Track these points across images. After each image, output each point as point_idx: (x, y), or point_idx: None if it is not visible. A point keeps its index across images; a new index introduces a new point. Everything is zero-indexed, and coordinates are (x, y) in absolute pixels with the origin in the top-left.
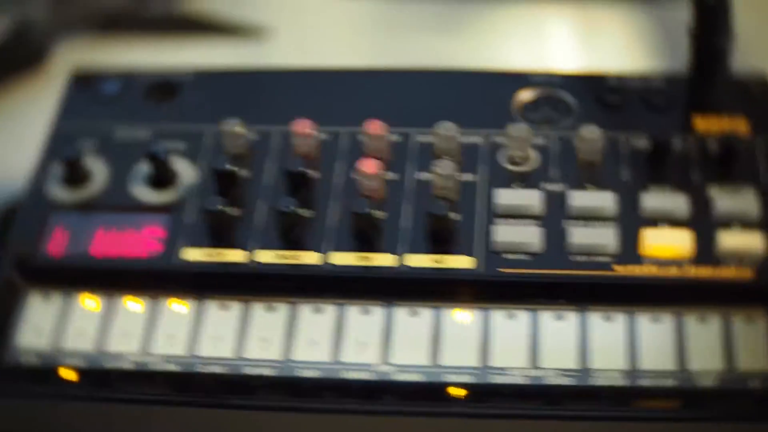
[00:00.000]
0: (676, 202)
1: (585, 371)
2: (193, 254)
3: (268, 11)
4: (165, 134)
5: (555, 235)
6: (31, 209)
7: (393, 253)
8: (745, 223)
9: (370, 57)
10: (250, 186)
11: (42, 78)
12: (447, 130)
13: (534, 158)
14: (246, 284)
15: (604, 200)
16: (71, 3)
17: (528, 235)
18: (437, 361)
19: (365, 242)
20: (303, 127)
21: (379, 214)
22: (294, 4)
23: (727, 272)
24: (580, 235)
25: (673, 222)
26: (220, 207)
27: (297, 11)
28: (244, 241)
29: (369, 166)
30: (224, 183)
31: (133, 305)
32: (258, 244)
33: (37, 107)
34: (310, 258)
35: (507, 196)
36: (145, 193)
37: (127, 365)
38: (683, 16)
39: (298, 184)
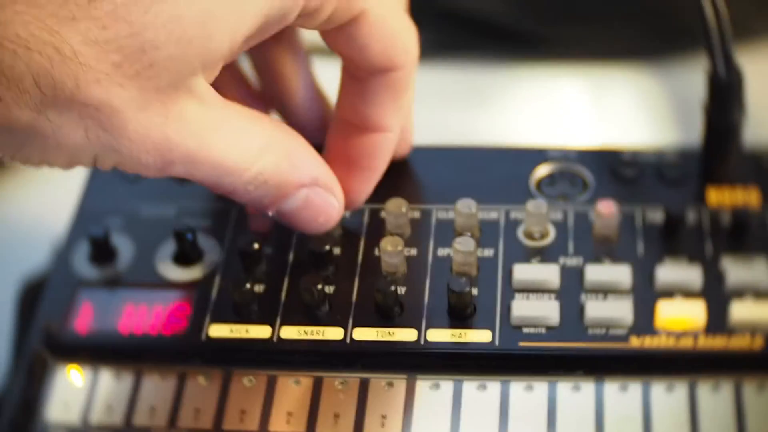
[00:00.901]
0: (690, 274)
1: None
2: (219, 330)
3: None
4: (190, 212)
5: (572, 309)
6: (58, 285)
7: (414, 327)
8: (758, 294)
9: None
10: (274, 263)
11: None
12: (467, 206)
13: (551, 233)
14: (271, 359)
15: (619, 274)
16: None
17: (546, 309)
18: None
19: (388, 318)
20: None
21: (401, 290)
22: None
23: (740, 342)
24: (596, 309)
25: (687, 293)
26: (247, 285)
27: None
28: (269, 317)
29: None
30: (249, 260)
31: (160, 381)
32: (283, 320)
33: (60, 182)
34: (334, 334)
35: (525, 271)
36: (171, 270)
37: None
38: (695, 79)
39: (322, 261)
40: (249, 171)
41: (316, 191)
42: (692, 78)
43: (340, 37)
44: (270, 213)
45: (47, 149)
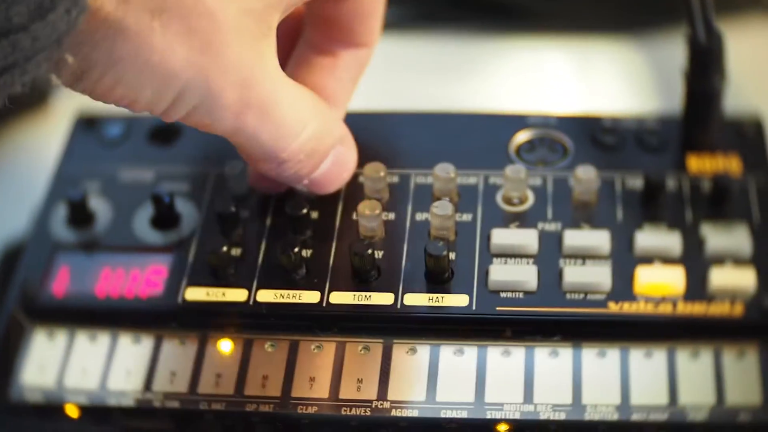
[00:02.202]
0: (669, 240)
1: (579, 406)
2: (195, 294)
3: None
4: (168, 176)
5: (550, 274)
6: (36, 249)
7: (391, 291)
8: (737, 261)
9: (367, 99)
10: (251, 226)
11: (45, 119)
12: (445, 171)
13: (530, 198)
14: (247, 323)
15: (598, 239)
16: None
17: (524, 274)
18: (434, 397)
19: (364, 281)
20: None
21: (378, 254)
22: None
23: (719, 309)
24: (575, 274)
25: (667, 260)
26: (224, 248)
27: None
28: (245, 280)
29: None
30: (226, 224)
31: (136, 344)
32: (259, 284)
33: (40, 148)
34: (311, 297)
35: (503, 236)
36: (149, 234)
37: (128, 402)
38: (678, 53)
39: (299, 225)
40: (300, 136)
41: (343, 148)
42: (675, 50)
43: (327, 7)
44: (304, 182)
45: (142, 71)
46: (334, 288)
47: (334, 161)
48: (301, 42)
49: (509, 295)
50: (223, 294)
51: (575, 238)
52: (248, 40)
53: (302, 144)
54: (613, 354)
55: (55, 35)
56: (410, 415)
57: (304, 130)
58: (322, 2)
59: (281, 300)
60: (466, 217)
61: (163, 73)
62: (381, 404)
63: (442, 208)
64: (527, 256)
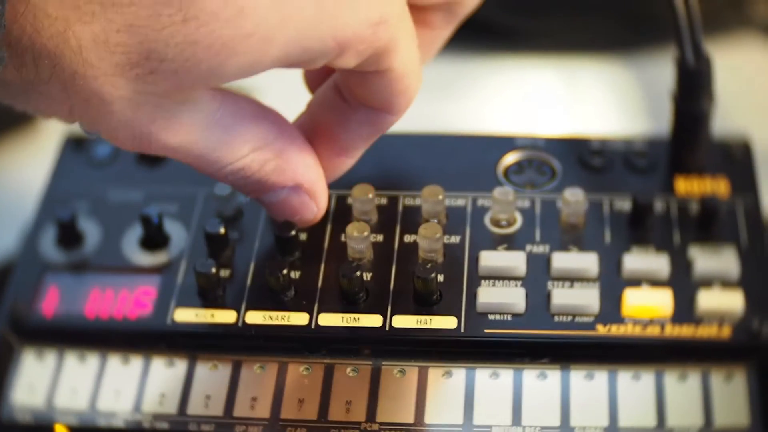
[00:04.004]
0: (657, 262)
1: (567, 428)
2: (184, 315)
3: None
4: (157, 196)
5: (538, 296)
6: (25, 269)
7: (380, 313)
8: (725, 283)
9: None
10: (240, 248)
11: (32, 140)
12: (434, 193)
13: (518, 220)
14: (236, 344)
15: (586, 262)
16: None
17: (512, 297)
18: (422, 419)
19: (353, 303)
20: None
21: (366, 276)
22: None
23: (707, 331)
24: (562, 296)
25: (655, 282)
26: (213, 269)
27: (287, 73)
28: (234, 301)
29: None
30: (215, 245)
31: (125, 364)
32: (248, 305)
33: (27, 168)
34: (299, 319)
35: (491, 258)
36: (138, 255)
37: (118, 423)
38: (666, 73)
39: (288, 247)
40: (231, 166)
41: (297, 192)
42: (663, 71)
43: (354, 75)
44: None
45: (32, 108)
46: (322, 310)
47: (282, 200)
48: (330, 79)
49: (497, 317)
50: (212, 315)
51: (563, 260)
52: (147, 111)
53: (232, 172)
54: (601, 376)
55: None
56: None
57: (237, 162)
58: (350, 74)
59: (270, 322)
60: (455, 239)
61: (51, 114)
62: (370, 426)
63: (431, 230)
64: (515, 279)
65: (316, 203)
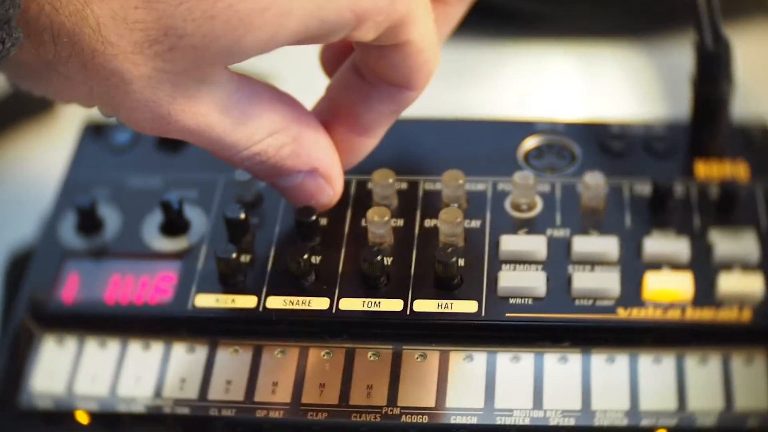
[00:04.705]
0: (677, 246)
1: (588, 412)
2: (205, 300)
3: (276, 59)
4: (177, 182)
5: (559, 280)
6: (45, 256)
7: (400, 298)
8: (745, 266)
9: None
10: (261, 233)
11: (51, 126)
12: (454, 177)
13: (539, 205)
14: (257, 329)
15: (607, 245)
16: None
17: (532, 281)
18: (443, 402)
19: (374, 288)
20: None
21: (387, 260)
22: (300, 52)
23: (728, 314)
24: (583, 280)
25: (675, 266)
26: (234, 255)
27: (303, 59)
28: (255, 287)
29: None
30: (235, 230)
31: (145, 350)
32: (269, 291)
33: (46, 155)
34: (320, 304)
35: (512, 242)
36: (158, 241)
37: (138, 409)
38: (684, 57)
39: (308, 232)
40: (248, 150)
41: (313, 176)
42: (681, 55)
43: (372, 50)
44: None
45: (52, 91)
46: (343, 294)
47: (298, 185)
48: (348, 60)
49: (518, 301)
50: (233, 301)
51: (584, 244)
52: (166, 90)
53: (249, 156)
54: (622, 360)
55: None
56: (420, 421)
57: (254, 146)
58: (368, 50)
59: (291, 306)
60: (475, 223)
61: (69, 98)
62: (391, 410)
63: (452, 215)
64: (536, 263)
65: (332, 187)
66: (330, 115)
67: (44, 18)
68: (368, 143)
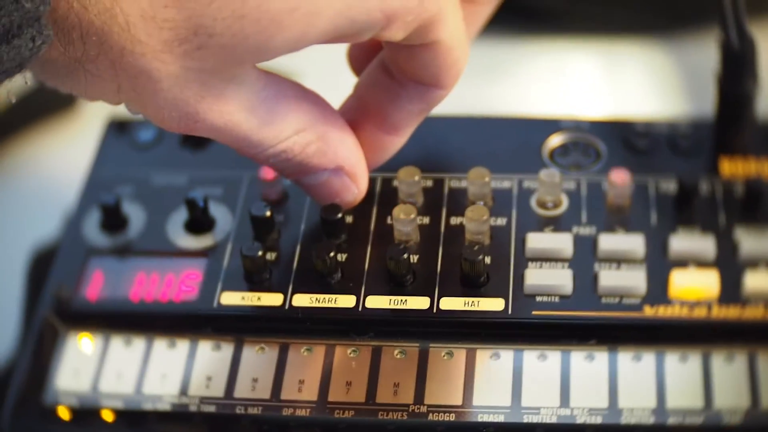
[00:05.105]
0: (703, 244)
1: (615, 410)
2: (230, 298)
3: (302, 56)
4: (201, 180)
5: (585, 278)
6: (69, 253)
7: (427, 296)
8: None
9: None
10: (286, 231)
11: (73, 123)
12: (480, 175)
13: (564, 202)
14: (282, 327)
15: (633, 243)
16: None
17: (559, 278)
18: (470, 401)
19: (400, 286)
20: None
21: (413, 258)
22: (327, 50)
23: (754, 312)
24: (609, 278)
25: (701, 264)
26: (259, 252)
27: (327, 56)
28: (281, 284)
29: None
30: (261, 228)
31: (171, 348)
32: (295, 288)
33: (68, 152)
34: (346, 302)
35: (538, 240)
36: (183, 238)
37: (164, 407)
38: (709, 55)
39: (334, 229)
40: (274, 148)
41: (338, 174)
42: (706, 52)
43: (401, 50)
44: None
45: (79, 89)
46: (369, 292)
47: (323, 182)
48: (376, 59)
49: (545, 299)
50: (259, 298)
51: (610, 242)
52: (194, 88)
53: (275, 154)
54: (648, 358)
55: (18, 60)
56: (447, 419)
57: (280, 143)
58: (398, 50)
59: (317, 304)
60: (501, 221)
61: (97, 96)
62: (418, 408)
63: (477, 212)
64: (562, 260)
65: (357, 185)
66: (358, 114)
67: (73, 16)
68: (396, 142)
